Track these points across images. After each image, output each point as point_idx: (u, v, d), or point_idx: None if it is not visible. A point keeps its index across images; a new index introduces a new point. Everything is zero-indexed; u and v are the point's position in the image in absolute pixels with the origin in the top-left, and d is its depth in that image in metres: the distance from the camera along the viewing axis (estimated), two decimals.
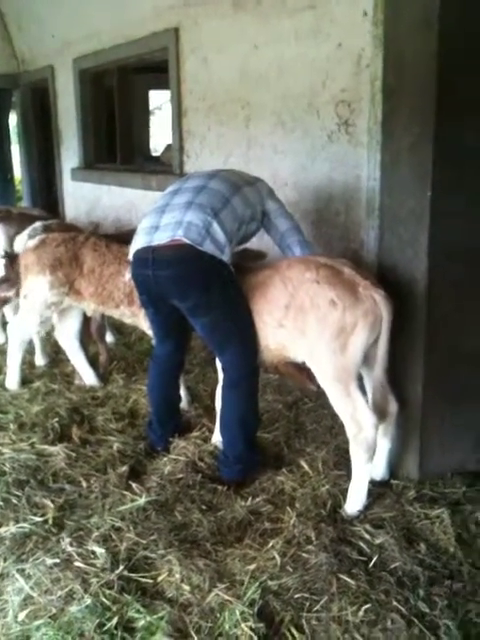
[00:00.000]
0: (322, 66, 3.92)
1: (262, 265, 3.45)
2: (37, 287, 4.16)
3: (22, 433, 3.74)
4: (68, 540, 2.81)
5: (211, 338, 3.35)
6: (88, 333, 4.73)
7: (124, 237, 4.45)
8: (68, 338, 4.55)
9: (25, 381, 4.54)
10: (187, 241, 3.06)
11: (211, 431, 3.72)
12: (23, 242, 4.33)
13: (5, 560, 2.74)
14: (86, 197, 7.27)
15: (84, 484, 3.26)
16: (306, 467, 3.36)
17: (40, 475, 3.32)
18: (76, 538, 2.84)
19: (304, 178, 4.19)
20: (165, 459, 3.48)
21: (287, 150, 4.30)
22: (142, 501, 3.07)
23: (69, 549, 2.76)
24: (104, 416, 3.99)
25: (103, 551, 2.74)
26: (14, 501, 3.09)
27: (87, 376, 4.53)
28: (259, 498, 3.15)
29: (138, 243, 3.26)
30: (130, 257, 3.35)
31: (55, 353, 5.00)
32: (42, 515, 3.00)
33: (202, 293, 3.14)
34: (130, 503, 3.07)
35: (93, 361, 4.72)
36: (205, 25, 4.90)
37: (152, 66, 7.20)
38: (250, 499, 3.13)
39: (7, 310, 5.40)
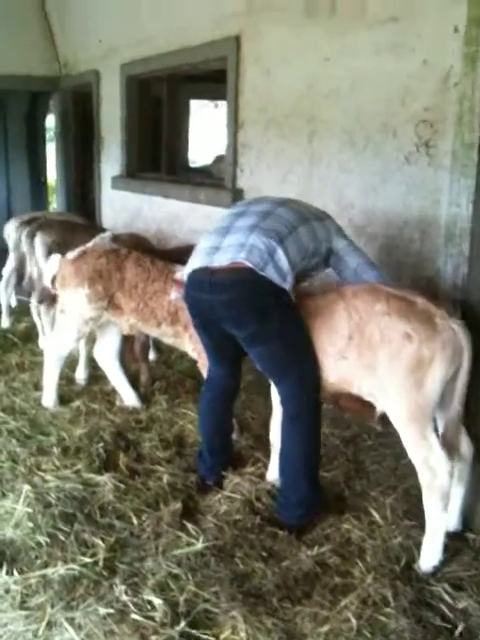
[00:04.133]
0: (402, 83, 3.68)
1: (324, 289, 3.20)
2: (75, 301, 3.94)
3: (66, 458, 3.50)
4: (122, 588, 2.55)
5: (268, 368, 3.12)
6: (131, 352, 4.49)
7: (169, 254, 4.24)
8: (108, 357, 4.32)
9: (63, 399, 4.30)
10: (248, 264, 2.85)
11: (266, 466, 3.47)
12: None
13: (53, 606, 2.49)
14: (126, 207, 7.05)
15: (135, 521, 3.01)
16: (376, 515, 3.09)
17: (87, 508, 3.08)
18: (130, 585, 2.59)
19: (374, 201, 3.94)
20: (219, 496, 3.23)
21: (356, 170, 4.06)
22: (200, 546, 2.82)
23: (124, 598, 2.51)
24: (150, 443, 3.74)
25: (161, 602, 2.49)
26: (61, 538, 2.84)
27: (128, 397, 4.29)
28: (325, 548, 2.88)
29: (195, 263, 3.04)
30: (184, 277, 3.13)
31: (93, 368, 4.75)
32: (92, 555, 2.76)
33: (260, 321, 2.93)
34: (186, 547, 2.82)
35: (133, 380, 4.47)
36: (270, 34, 4.68)
37: (195, 75, 7.02)
38: (316, 548, 2.87)
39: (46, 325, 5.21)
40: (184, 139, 9.42)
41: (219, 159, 6.65)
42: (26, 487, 3.14)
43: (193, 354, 3.81)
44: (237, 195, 5.03)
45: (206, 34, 5.33)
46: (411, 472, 3.45)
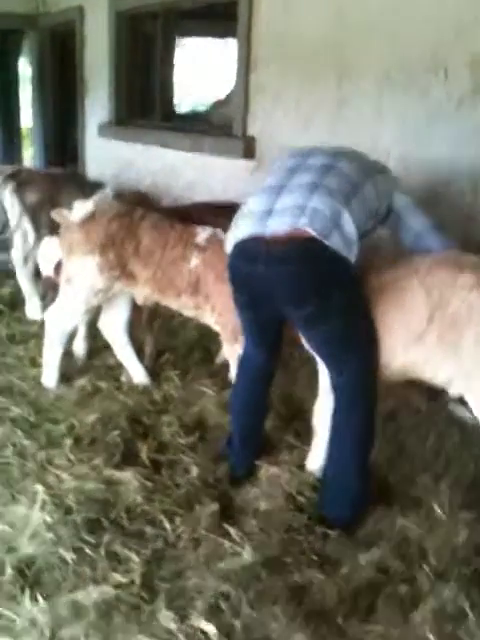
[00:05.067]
0: (455, 15, 3.23)
1: (390, 263, 2.78)
2: (84, 270, 3.46)
3: (80, 451, 3.08)
4: (168, 614, 2.19)
5: (327, 351, 2.73)
6: (138, 322, 4.04)
7: (183, 213, 3.77)
8: (115, 330, 3.87)
9: (63, 377, 3.79)
10: (312, 232, 2.43)
11: (301, 453, 3.10)
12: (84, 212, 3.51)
13: (88, 639, 2.12)
14: (115, 157, 6.46)
15: (168, 526, 2.63)
16: (436, 508, 2.74)
17: (113, 513, 2.67)
18: (176, 609, 2.23)
19: (417, 148, 3.52)
20: (255, 490, 2.88)
21: (395, 114, 3.62)
22: (248, 557, 2.45)
23: (172, 626, 2.15)
24: (170, 428, 3.33)
25: (215, 631, 2.14)
26: (89, 552, 2.45)
27: (137, 374, 3.87)
28: (382, 549, 2.55)
29: (245, 230, 2.61)
30: (229, 246, 2.71)
31: (91, 339, 4.27)
32: (126, 572, 2.37)
33: (323, 299, 2.54)
34: (232, 557, 2.46)
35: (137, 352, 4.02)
36: None
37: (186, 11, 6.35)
38: (373, 550, 2.53)
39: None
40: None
41: (219, 104, 6.09)
42: (40, 488, 2.74)
43: (216, 327, 3.40)
44: (249, 144, 4.55)
45: None
46: (459, 455, 3.15)
